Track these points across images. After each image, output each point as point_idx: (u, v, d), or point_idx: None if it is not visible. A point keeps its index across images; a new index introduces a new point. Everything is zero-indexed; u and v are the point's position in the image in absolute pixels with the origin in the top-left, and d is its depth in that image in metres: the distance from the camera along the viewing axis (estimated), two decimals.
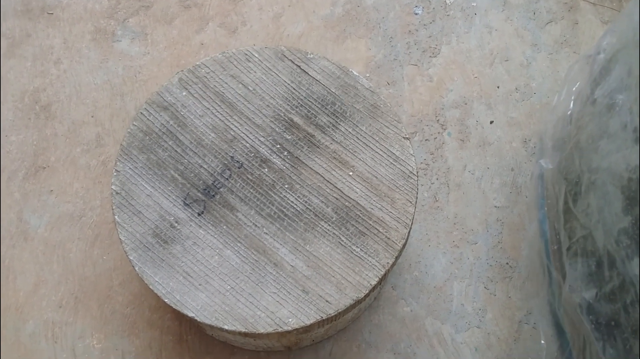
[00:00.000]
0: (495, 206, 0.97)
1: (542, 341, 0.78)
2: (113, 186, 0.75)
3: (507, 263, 0.92)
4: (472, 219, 0.96)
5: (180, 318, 0.89)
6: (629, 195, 0.65)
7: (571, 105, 0.79)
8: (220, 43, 1.10)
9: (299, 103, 0.81)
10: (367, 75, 1.07)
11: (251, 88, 0.82)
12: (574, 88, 0.80)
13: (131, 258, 0.72)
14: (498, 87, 1.06)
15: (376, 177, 0.77)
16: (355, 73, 0.83)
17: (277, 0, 1.14)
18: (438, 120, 1.03)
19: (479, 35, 1.11)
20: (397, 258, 0.73)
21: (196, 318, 0.69)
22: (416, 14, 1.13)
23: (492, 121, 1.03)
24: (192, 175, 0.77)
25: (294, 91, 0.82)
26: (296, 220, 0.75)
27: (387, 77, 1.07)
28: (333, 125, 0.80)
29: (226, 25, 1.11)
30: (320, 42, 1.10)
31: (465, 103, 1.04)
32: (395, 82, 1.07)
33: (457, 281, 0.92)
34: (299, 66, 0.83)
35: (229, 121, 0.80)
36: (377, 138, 0.79)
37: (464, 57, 1.09)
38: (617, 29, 0.78)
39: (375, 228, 0.74)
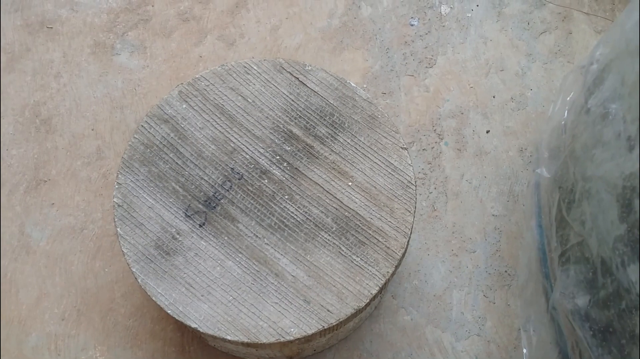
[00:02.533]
0: (493, 215, 0.98)
1: (540, 348, 0.78)
2: (115, 199, 0.76)
3: (505, 271, 0.93)
4: (471, 228, 0.97)
5: (182, 329, 0.89)
6: (624, 203, 0.66)
7: (565, 114, 0.80)
8: (219, 55, 1.11)
9: (297, 114, 0.82)
10: (364, 86, 1.08)
11: (250, 100, 0.83)
12: (568, 98, 0.82)
13: (134, 270, 0.72)
14: (494, 97, 1.07)
15: (375, 187, 0.78)
16: (352, 84, 0.84)
17: (274, 13, 1.15)
18: (435, 130, 1.04)
19: (474, 46, 1.12)
20: (397, 267, 0.74)
21: (199, 328, 0.69)
22: (412, 25, 1.14)
23: (489, 130, 1.04)
24: (193, 186, 0.78)
25: (292, 103, 0.83)
26: (296, 230, 0.76)
27: (384, 88, 1.08)
28: (332, 136, 0.81)
29: (224, 38, 1.12)
30: (318, 53, 1.11)
31: (462, 113, 1.06)
32: (392, 92, 1.08)
33: (456, 289, 0.92)
34: (297, 78, 0.84)
35: (229, 133, 0.81)
36: (375, 149, 0.80)
37: (459, 67, 1.10)
38: (610, 39, 0.79)
39: (375, 238, 0.75)
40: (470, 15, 1.15)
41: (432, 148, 1.03)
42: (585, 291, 0.66)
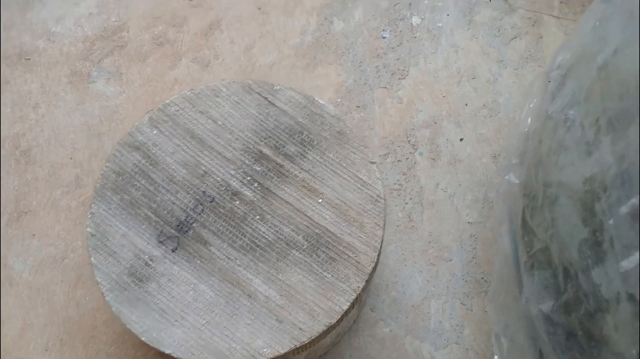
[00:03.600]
0: (469, 222, 0.99)
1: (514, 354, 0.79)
2: (88, 229, 0.77)
3: (482, 278, 0.94)
4: (447, 236, 0.98)
5: (163, 354, 0.90)
6: (586, 207, 0.67)
7: (529, 121, 0.81)
8: (194, 78, 1.12)
9: (267, 134, 0.83)
10: (339, 100, 1.09)
11: (220, 123, 0.84)
12: (531, 105, 0.83)
13: (108, 299, 0.73)
14: (466, 105, 1.08)
15: (345, 203, 0.79)
16: (321, 101, 0.85)
17: (248, 32, 1.16)
18: (409, 141, 1.05)
19: (446, 55, 1.13)
20: (367, 281, 0.75)
21: (173, 354, 0.70)
22: (384, 37, 1.15)
23: (462, 138, 1.05)
24: (165, 212, 0.79)
25: (262, 123, 0.84)
26: (268, 250, 0.76)
27: (358, 101, 1.09)
28: (301, 154, 0.82)
29: (199, 60, 1.14)
30: (292, 70, 1.13)
31: (435, 123, 1.07)
32: (366, 105, 1.09)
33: (434, 299, 0.93)
34: (266, 98, 0.85)
35: (200, 156, 0.82)
36: (344, 165, 0.81)
37: (431, 77, 1.11)
38: (570, 44, 0.80)
39: (346, 254, 0.76)
40: (441, 25, 1.16)
41: (407, 158, 1.04)
42: (550, 297, 0.67)
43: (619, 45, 0.60)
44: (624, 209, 0.60)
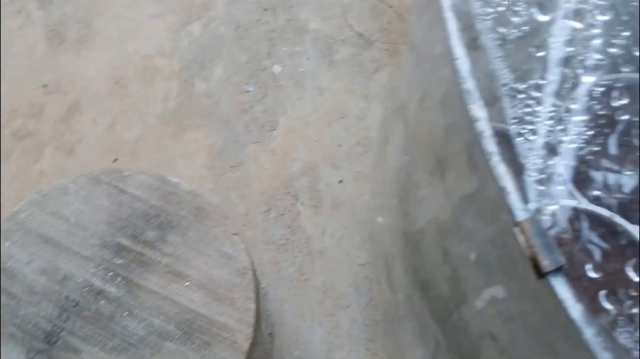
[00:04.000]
0: (360, 264, 0.98)
1: None
2: None
3: (382, 319, 0.93)
4: (341, 283, 0.96)
5: None
6: (440, 248, 0.66)
7: (382, 164, 0.81)
8: (60, 166, 1.08)
9: (123, 224, 0.80)
10: (211, 163, 1.07)
11: (73, 221, 0.80)
12: (377, 150, 0.83)
13: None
14: (340, 146, 1.08)
15: (213, 281, 0.76)
16: (174, 180, 0.82)
17: (109, 109, 1.13)
18: (289, 192, 1.04)
19: (312, 99, 1.13)
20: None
21: None
22: (248, 91, 1.14)
23: (341, 180, 1.05)
24: (31, 326, 0.74)
25: (116, 213, 0.80)
26: (141, 346, 0.73)
27: (232, 161, 1.07)
28: (161, 239, 0.79)
29: (62, 147, 1.10)
30: (159, 141, 1.10)
31: (312, 169, 1.06)
32: (241, 163, 1.07)
33: (337, 350, 0.91)
34: (117, 186, 0.82)
35: (57, 260, 0.78)
36: (206, 241, 0.79)
37: (301, 123, 1.11)
38: (397, 89, 0.81)
39: (220, 335, 0.73)
40: (303, 69, 1.16)
41: (289, 210, 1.02)
42: (417, 345, 0.66)
43: (422, 94, 0.60)
44: (467, 253, 0.60)
